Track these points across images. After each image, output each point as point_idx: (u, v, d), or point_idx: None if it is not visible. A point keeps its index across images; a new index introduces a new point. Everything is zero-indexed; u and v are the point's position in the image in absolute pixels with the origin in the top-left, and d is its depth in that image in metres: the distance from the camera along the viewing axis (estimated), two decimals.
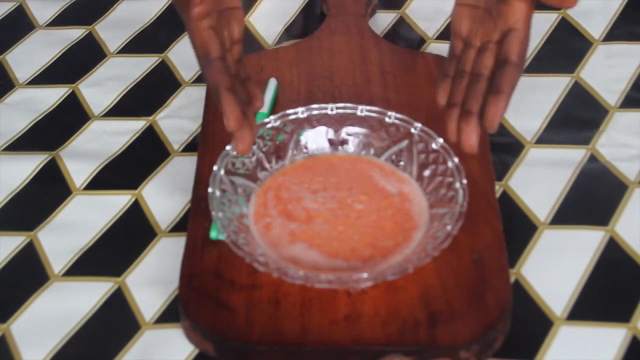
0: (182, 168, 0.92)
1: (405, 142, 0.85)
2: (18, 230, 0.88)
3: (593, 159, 0.91)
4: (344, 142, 0.88)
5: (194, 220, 0.84)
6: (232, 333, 0.76)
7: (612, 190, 0.88)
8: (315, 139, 0.87)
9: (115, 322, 0.80)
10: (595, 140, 0.93)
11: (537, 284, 0.81)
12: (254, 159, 0.85)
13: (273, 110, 0.93)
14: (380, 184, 0.85)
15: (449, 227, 0.78)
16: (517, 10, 0.77)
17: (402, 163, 0.86)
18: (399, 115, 0.85)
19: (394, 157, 0.86)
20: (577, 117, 0.95)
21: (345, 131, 0.87)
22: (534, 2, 0.78)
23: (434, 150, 0.83)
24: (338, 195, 0.84)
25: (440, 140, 0.83)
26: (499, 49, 0.78)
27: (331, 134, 0.87)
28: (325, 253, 0.80)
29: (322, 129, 0.87)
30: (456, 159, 0.82)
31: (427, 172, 0.84)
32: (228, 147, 0.83)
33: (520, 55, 0.77)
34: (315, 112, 0.87)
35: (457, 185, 0.81)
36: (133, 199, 0.90)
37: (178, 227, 0.87)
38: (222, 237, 0.80)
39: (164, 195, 0.90)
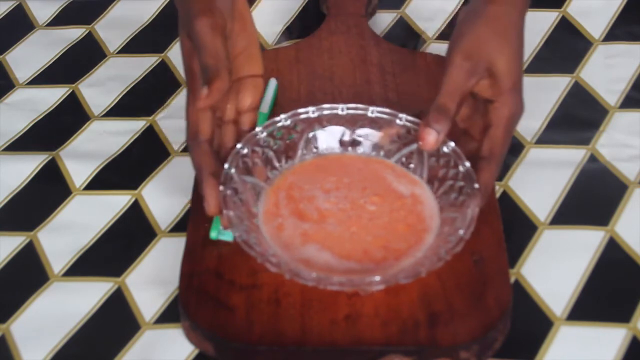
0: (182, 168, 0.92)
1: (415, 145, 0.84)
2: (18, 230, 0.88)
3: (593, 159, 0.91)
4: (353, 142, 0.87)
5: (194, 220, 0.84)
6: (232, 333, 0.76)
7: (612, 190, 0.88)
8: (325, 138, 0.87)
9: (115, 322, 0.80)
10: (595, 140, 0.93)
11: (537, 284, 0.81)
12: (264, 157, 0.85)
13: (273, 111, 0.93)
14: (393, 185, 0.85)
15: (461, 232, 0.77)
16: (493, 111, 0.81)
17: (412, 166, 0.85)
18: (410, 118, 0.85)
19: (404, 159, 0.86)
20: (577, 117, 0.95)
21: (355, 132, 0.87)
22: (515, 103, 0.81)
23: (445, 154, 0.83)
24: (351, 195, 0.84)
25: (452, 143, 0.82)
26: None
27: (341, 134, 0.87)
28: (338, 255, 0.80)
29: (332, 128, 0.87)
30: (467, 163, 0.81)
31: (437, 176, 0.83)
32: (238, 145, 0.83)
33: (491, 151, 0.81)
34: (326, 112, 0.86)
35: (469, 189, 0.80)
36: (133, 199, 0.90)
37: (178, 227, 0.87)
38: (222, 237, 0.80)
39: (164, 196, 0.90)
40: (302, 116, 0.86)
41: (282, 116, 0.85)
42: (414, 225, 0.82)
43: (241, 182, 0.82)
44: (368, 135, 0.87)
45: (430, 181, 0.84)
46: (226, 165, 0.81)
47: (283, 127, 0.85)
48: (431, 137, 0.79)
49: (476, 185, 0.80)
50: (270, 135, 0.85)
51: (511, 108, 0.80)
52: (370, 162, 0.87)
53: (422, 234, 0.81)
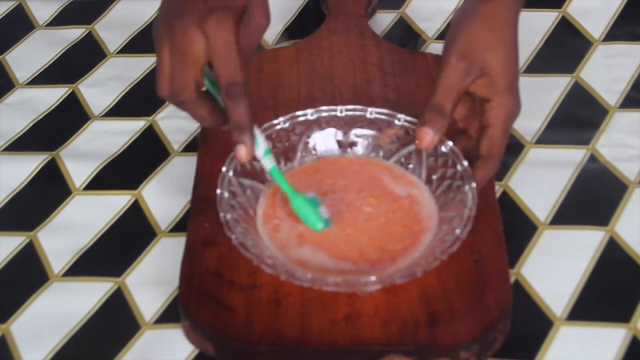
0: (182, 168, 0.92)
1: (414, 145, 0.85)
2: (18, 230, 0.88)
3: (593, 159, 0.91)
4: (352, 144, 0.87)
5: (194, 220, 0.84)
6: (232, 333, 0.76)
7: (612, 190, 0.88)
8: (324, 140, 0.87)
9: (115, 322, 0.80)
10: (595, 140, 0.93)
11: (537, 284, 0.81)
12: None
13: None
14: (389, 187, 0.85)
15: (457, 231, 0.77)
16: (490, 110, 0.80)
17: (411, 166, 0.85)
18: (408, 118, 0.85)
19: (402, 159, 0.86)
20: (577, 117, 0.95)
21: (353, 133, 0.87)
22: (512, 103, 0.81)
23: (443, 154, 0.83)
24: (347, 197, 0.84)
25: (450, 143, 0.82)
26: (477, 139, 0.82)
27: (340, 135, 0.87)
28: (334, 256, 0.80)
29: (331, 130, 0.87)
30: (465, 162, 0.81)
31: (436, 175, 0.84)
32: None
33: (489, 150, 0.81)
34: (324, 114, 0.86)
35: (466, 188, 0.80)
36: (133, 199, 0.90)
37: (178, 227, 0.87)
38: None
39: (164, 195, 0.90)
40: (301, 119, 0.86)
41: (281, 119, 0.85)
42: (410, 227, 0.82)
43: (239, 185, 0.82)
44: (367, 137, 0.87)
45: (428, 181, 0.84)
46: (224, 169, 0.81)
47: (282, 129, 0.85)
48: (427, 137, 0.79)
49: (474, 185, 0.80)
50: (268, 138, 0.85)
51: (508, 108, 0.80)
52: (367, 164, 0.87)
53: (419, 235, 0.81)
